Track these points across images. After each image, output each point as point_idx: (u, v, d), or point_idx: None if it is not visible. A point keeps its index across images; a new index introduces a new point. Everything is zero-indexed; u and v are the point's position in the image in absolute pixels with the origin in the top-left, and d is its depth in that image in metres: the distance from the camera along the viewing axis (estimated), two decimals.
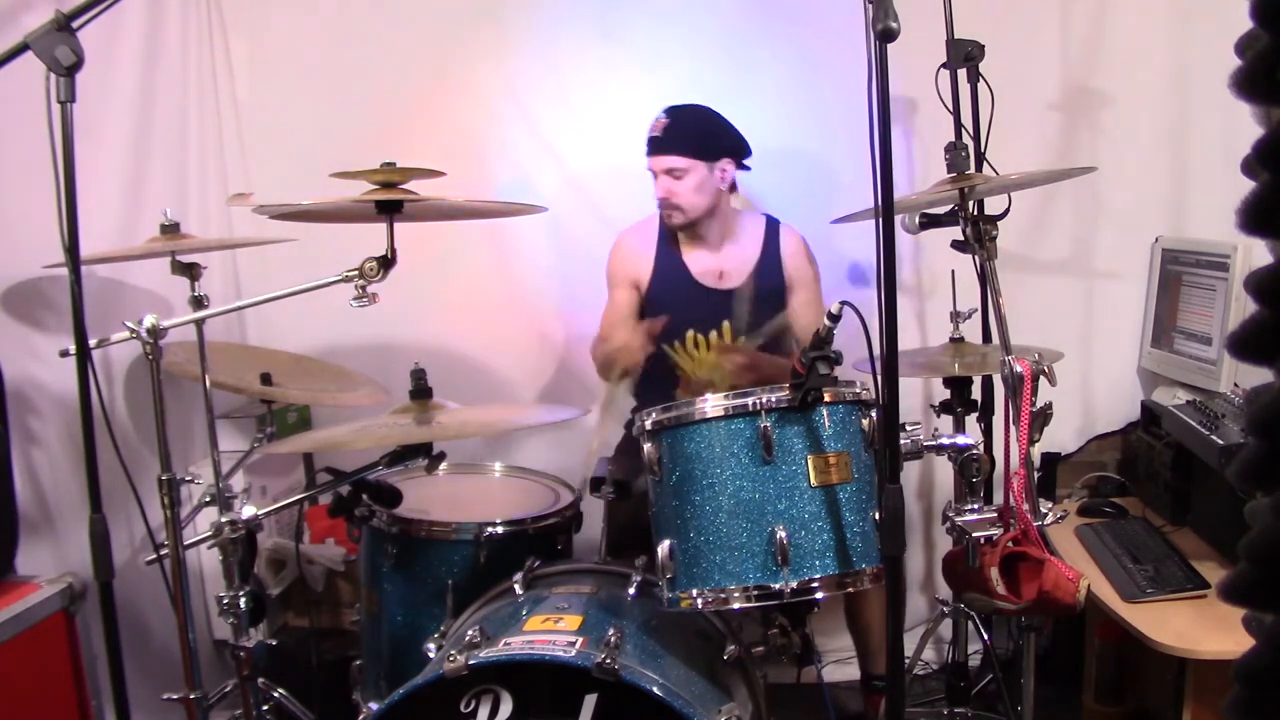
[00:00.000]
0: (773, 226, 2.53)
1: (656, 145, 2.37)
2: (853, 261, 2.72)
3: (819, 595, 1.58)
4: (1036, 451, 1.62)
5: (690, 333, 2.45)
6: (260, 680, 1.93)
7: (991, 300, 1.74)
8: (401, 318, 2.63)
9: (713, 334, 2.47)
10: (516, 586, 1.85)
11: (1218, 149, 2.53)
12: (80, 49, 1.48)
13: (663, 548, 1.64)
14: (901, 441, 1.56)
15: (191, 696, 1.75)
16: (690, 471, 1.62)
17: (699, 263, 2.48)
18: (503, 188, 2.74)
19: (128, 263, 2.39)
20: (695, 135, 2.38)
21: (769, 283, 2.46)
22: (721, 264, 2.48)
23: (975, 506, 1.71)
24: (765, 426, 1.58)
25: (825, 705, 2.28)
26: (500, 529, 2.04)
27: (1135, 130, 2.62)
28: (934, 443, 1.72)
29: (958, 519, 1.71)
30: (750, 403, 1.60)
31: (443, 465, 1.97)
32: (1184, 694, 1.86)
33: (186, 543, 1.73)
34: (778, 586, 1.56)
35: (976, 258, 1.98)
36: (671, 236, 2.50)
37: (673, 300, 2.47)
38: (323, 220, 2.05)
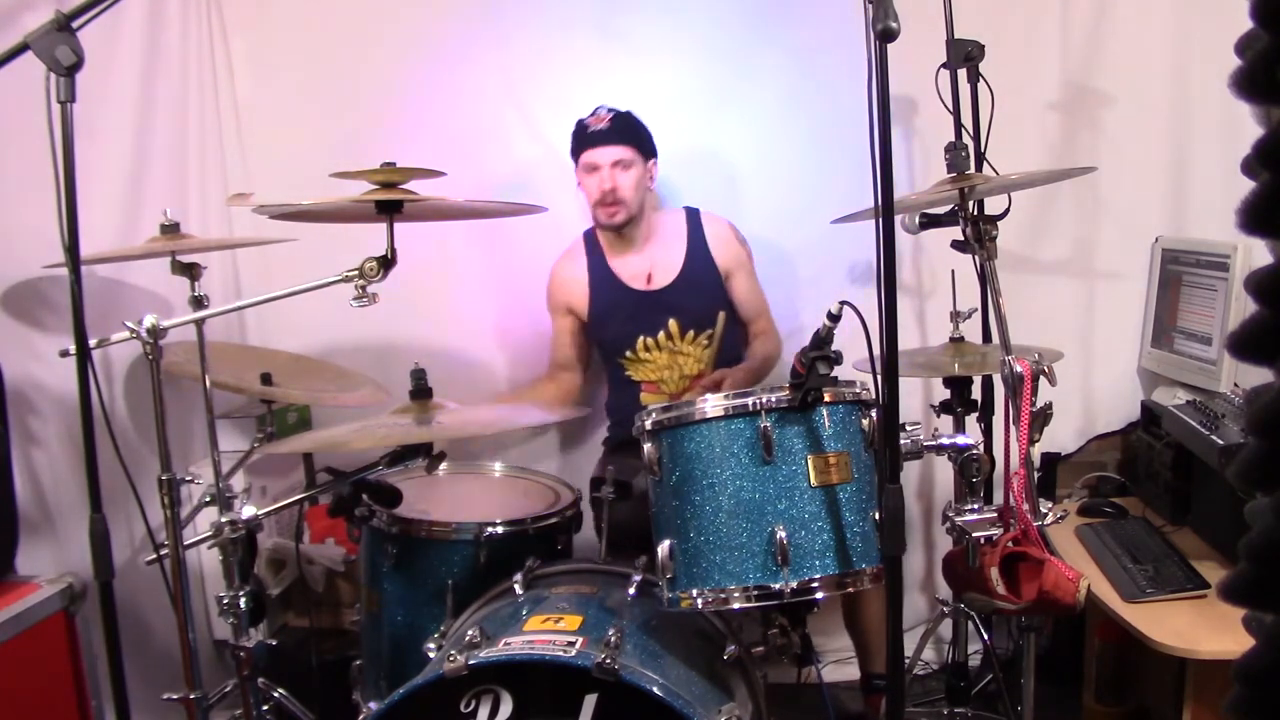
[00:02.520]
0: (694, 217, 2.57)
1: (602, 137, 2.39)
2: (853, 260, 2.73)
3: (819, 595, 1.58)
4: (1036, 451, 1.62)
5: (640, 339, 2.50)
6: (260, 680, 1.93)
7: (991, 300, 1.74)
8: (401, 318, 2.62)
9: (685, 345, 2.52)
10: (516, 586, 1.85)
11: (1218, 149, 2.53)
12: (80, 49, 1.48)
13: (663, 548, 1.64)
14: (901, 441, 1.57)
15: (191, 696, 1.75)
16: (690, 471, 1.62)
17: (627, 268, 2.53)
18: (503, 188, 2.74)
19: (128, 263, 2.39)
20: (636, 130, 2.43)
21: (700, 272, 2.51)
22: (649, 264, 2.52)
23: (975, 506, 1.72)
24: (765, 426, 1.58)
25: (825, 705, 2.28)
26: (500, 529, 2.03)
27: (1135, 130, 2.62)
28: (934, 443, 1.72)
29: (958, 519, 1.71)
30: (750, 403, 1.60)
31: (443, 465, 1.97)
32: (1184, 694, 1.86)
33: (186, 543, 1.73)
34: (778, 586, 1.56)
35: (976, 258, 1.98)
36: (598, 252, 2.54)
37: (614, 314, 2.53)
38: (323, 220, 2.05)
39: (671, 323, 2.49)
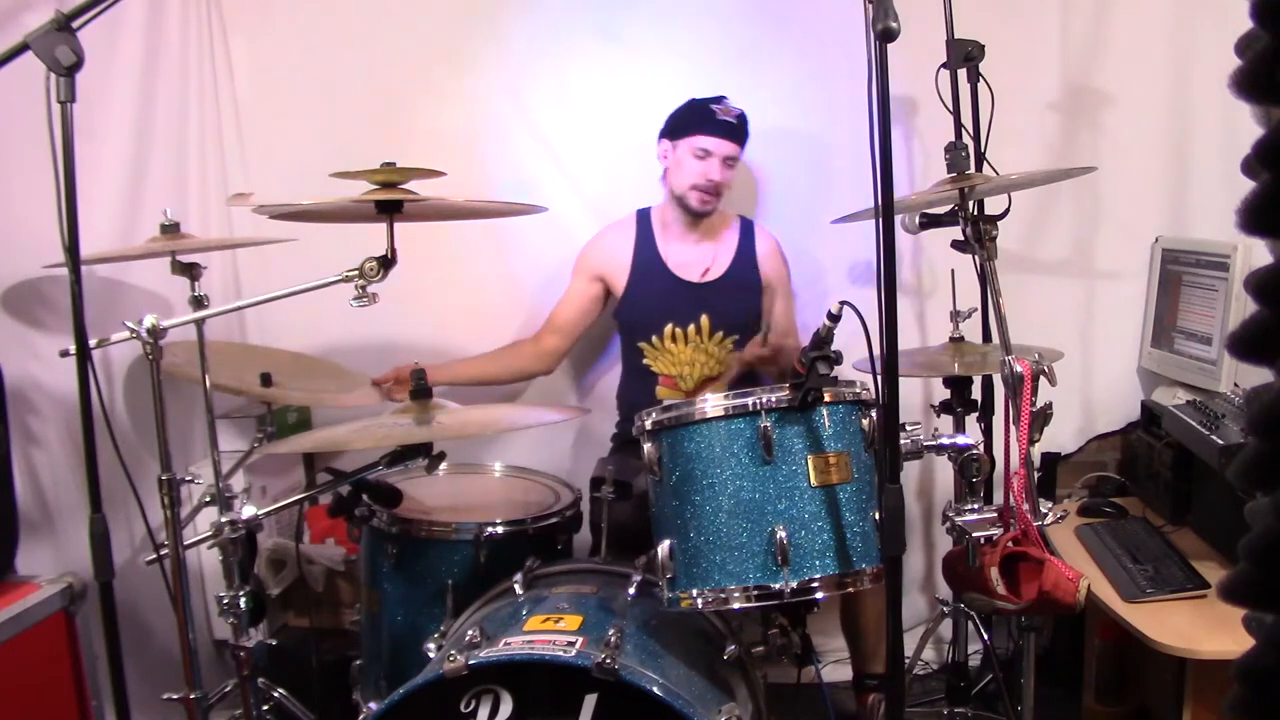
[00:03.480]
0: (747, 226, 2.59)
1: (728, 131, 2.40)
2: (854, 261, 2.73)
3: (819, 595, 1.58)
4: (1036, 451, 1.62)
5: (669, 326, 2.50)
6: (260, 680, 1.93)
7: (991, 300, 1.74)
8: (401, 318, 2.62)
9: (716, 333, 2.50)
10: (516, 586, 1.85)
11: (1218, 149, 2.53)
12: (80, 49, 1.48)
13: (663, 548, 1.64)
14: (901, 441, 1.57)
15: (191, 696, 1.75)
16: (690, 471, 1.62)
17: (677, 256, 2.53)
18: (503, 188, 2.74)
19: (128, 263, 2.39)
20: (748, 136, 2.45)
21: (743, 278, 2.53)
22: (702, 258, 2.53)
23: (975, 506, 1.71)
24: (765, 426, 1.58)
25: (825, 706, 2.28)
26: (500, 529, 2.04)
27: (1135, 130, 2.62)
28: (934, 443, 1.72)
29: (958, 519, 1.71)
30: (750, 403, 1.60)
31: (443, 465, 1.97)
32: (1184, 694, 1.87)
33: (186, 543, 1.73)
34: (778, 586, 1.56)
35: (976, 258, 1.98)
36: (649, 233, 2.54)
37: (650, 295, 2.53)
38: (323, 220, 2.05)
39: (704, 318, 2.49)
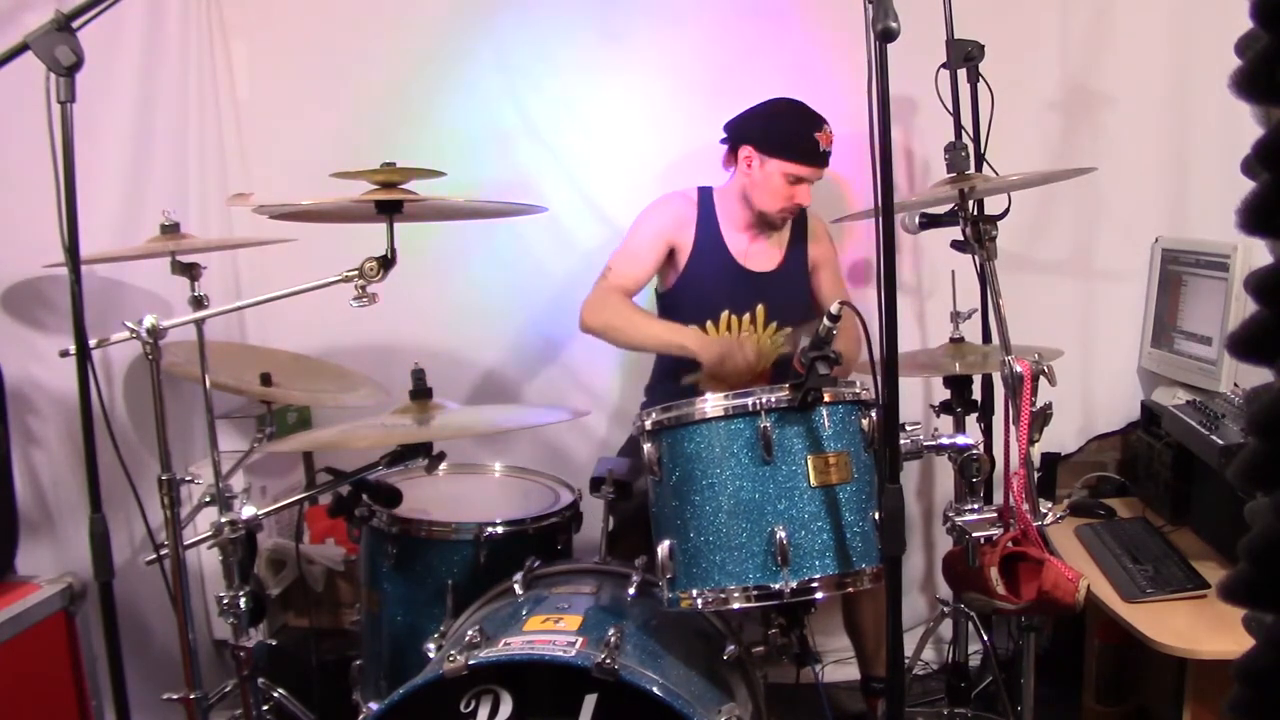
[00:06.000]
0: (800, 214, 2.48)
1: (825, 160, 2.31)
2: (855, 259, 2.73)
3: (819, 595, 1.58)
4: (1036, 451, 1.62)
5: (726, 313, 2.40)
6: (260, 680, 1.93)
7: (991, 300, 1.74)
8: (401, 318, 2.62)
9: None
10: (516, 586, 1.84)
11: (1218, 149, 2.53)
12: (80, 49, 1.47)
13: (662, 548, 1.64)
14: (901, 441, 1.57)
15: (191, 696, 1.75)
16: (690, 472, 1.62)
17: (738, 244, 2.44)
18: (503, 188, 2.74)
19: (128, 263, 2.39)
20: None
21: (797, 268, 2.46)
22: (761, 249, 2.45)
23: (975, 506, 1.72)
24: (765, 427, 1.58)
25: (823, 707, 2.28)
26: (500, 529, 2.04)
27: (1135, 130, 2.62)
28: (934, 443, 1.72)
29: (958, 519, 1.71)
30: (750, 403, 1.60)
31: (443, 465, 1.97)
32: (1184, 694, 1.87)
33: (186, 543, 1.73)
34: (777, 586, 1.56)
35: (976, 258, 1.98)
36: (712, 214, 2.44)
37: (712, 278, 2.42)
38: (323, 220, 2.05)
39: (760, 308, 2.41)
